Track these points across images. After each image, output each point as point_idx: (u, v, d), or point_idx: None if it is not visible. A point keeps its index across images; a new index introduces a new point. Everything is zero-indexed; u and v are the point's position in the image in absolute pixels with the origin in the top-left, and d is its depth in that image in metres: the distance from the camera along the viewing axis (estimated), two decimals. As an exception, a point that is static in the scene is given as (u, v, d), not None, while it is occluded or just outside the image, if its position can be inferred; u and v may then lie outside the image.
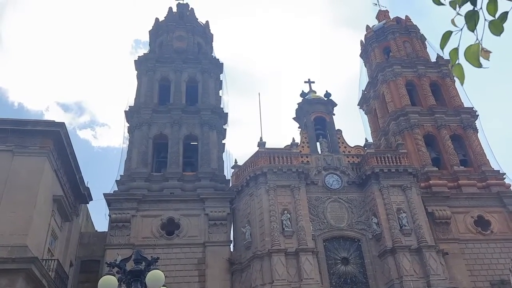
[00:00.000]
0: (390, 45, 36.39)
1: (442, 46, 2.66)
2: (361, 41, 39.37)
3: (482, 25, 2.49)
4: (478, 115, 31.27)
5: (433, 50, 35.95)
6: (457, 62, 2.64)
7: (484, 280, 24.10)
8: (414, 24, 37.81)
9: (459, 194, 27.10)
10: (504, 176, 28.55)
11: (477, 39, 2.51)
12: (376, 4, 41.54)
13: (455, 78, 33.40)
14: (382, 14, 40.59)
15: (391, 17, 39.35)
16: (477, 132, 30.63)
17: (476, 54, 2.50)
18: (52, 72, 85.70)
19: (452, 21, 2.57)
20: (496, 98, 77.57)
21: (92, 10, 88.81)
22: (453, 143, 29.96)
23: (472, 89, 56.42)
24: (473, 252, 25.12)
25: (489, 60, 2.52)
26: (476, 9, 2.48)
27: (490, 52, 2.52)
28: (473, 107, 31.54)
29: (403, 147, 27.16)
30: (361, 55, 39.48)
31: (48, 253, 19.57)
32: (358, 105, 38.67)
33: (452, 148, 29.47)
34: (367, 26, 39.44)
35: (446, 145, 29.58)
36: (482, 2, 2.49)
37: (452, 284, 22.60)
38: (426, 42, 37.27)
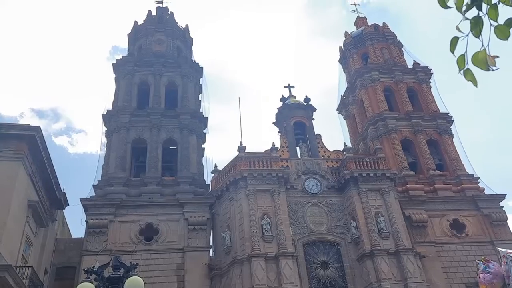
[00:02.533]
0: (368, 51, 36.95)
1: (452, 50, 2.71)
2: (340, 47, 39.86)
3: (488, 30, 2.55)
4: (453, 120, 32.01)
5: (409, 57, 36.75)
6: (466, 67, 2.69)
7: (459, 282, 24.60)
8: (392, 31, 38.53)
9: (435, 198, 27.63)
10: (478, 180, 29.25)
11: (482, 45, 2.57)
12: (354, 11, 42.19)
13: (431, 83, 34.27)
14: (360, 21, 41.21)
15: (369, 24, 40.00)
16: (453, 137, 31.33)
17: (484, 60, 2.56)
18: (26, 77, 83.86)
19: (457, 27, 2.63)
20: (470, 104, 79.69)
21: (69, 15, 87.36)
22: (429, 148, 30.56)
23: (447, 95, 57.68)
24: (449, 255, 25.63)
25: (495, 66, 2.59)
26: (481, 14, 2.54)
27: (497, 57, 2.59)
28: (448, 113, 32.27)
29: (381, 152, 27.55)
30: (340, 61, 39.97)
31: (22, 260, 19.03)
32: (337, 110, 39.09)
33: (428, 152, 30.05)
34: (346, 33, 39.98)
35: (422, 149, 30.15)
36: (487, 8, 2.54)
37: (429, 286, 23.00)
38: (403, 49, 38.00)
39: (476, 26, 2.54)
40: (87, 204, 24.26)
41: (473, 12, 2.56)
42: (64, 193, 24.29)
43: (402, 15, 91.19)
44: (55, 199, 23.58)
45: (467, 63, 2.67)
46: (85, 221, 24.02)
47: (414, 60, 35.62)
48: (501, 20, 2.55)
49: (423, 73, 34.41)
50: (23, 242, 19.07)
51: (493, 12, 2.53)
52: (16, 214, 18.24)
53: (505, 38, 2.54)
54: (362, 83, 34.22)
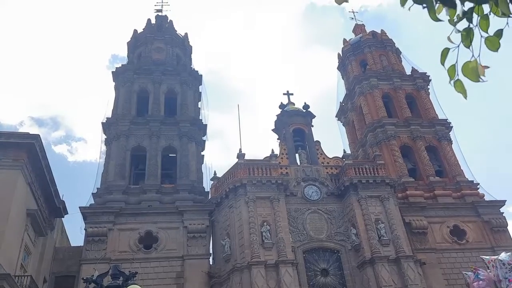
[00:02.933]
0: (366, 58, 37.10)
1: (443, 62, 2.72)
2: (339, 54, 40.02)
3: (478, 41, 2.57)
4: (452, 126, 32.06)
5: (408, 63, 36.88)
6: (456, 78, 2.70)
7: (460, 289, 24.47)
8: (390, 38, 38.71)
9: (435, 204, 27.59)
10: (478, 186, 29.24)
11: (473, 55, 2.59)
12: (352, 18, 42.43)
13: (429, 90, 34.38)
14: (358, 28, 41.42)
15: (367, 31, 40.19)
16: (452, 143, 31.36)
17: (475, 70, 2.57)
18: (26, 86, 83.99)
19: (448, 38, 2.65)
20: (469, 110, 79.86)
21: (69, 24, 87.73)
22: (429, 154, 30.58)
23: (445, 101, 57.90)
24: (449, 261, 25.54)
25: (484, 76, 2.60)
26: (471, 26, 2.56)
27: (488, 67, 2.61)
28: (447, 119, 32.33)
29: (380, 158, 27.55)
30: (338, 68, 40.11)
31: (21, 269, 18.94)
32: (336, 116, 39.16)
33: (427, 159, 30.05)
34: (344, 40, 40.17)
35: (421, 156, 30.16)
36: (478, 19, 2.56)
37: (430, 293, 22.88)
38: (401, 56, 38.16)
39: (467, 37, 2.56)
40: (86, 212, 24.19)
41: (464, 23, 2.59)
42: (63, 202, 24.21)
43: (400, 22, 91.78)
44: (54, 208, 23.50)
45: (457, 74, 2.68)
46: (84, 229, 23.93)
47: (412, 67, 35.76)
48: (492, 31, 2.58)
49: (421, 80, 34.52)
50: (22, 250, 18.99)
51: (484, 23, 2.55)
52: (15, 222, 18.18)
53: (495, 49, 2.57)
54: (360, 90, 34.31)
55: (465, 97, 2.75)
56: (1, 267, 16.11)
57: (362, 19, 77.91)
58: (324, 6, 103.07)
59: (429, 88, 34.60)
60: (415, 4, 2.59)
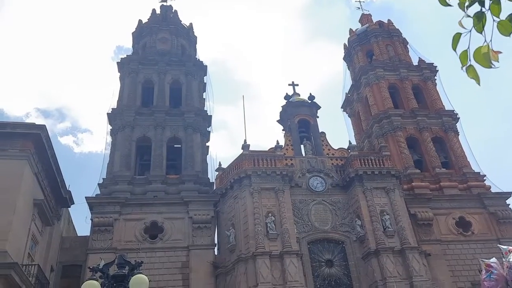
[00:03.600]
0: (373, 49, 36.78)
1: (454, 47, 2.65)
2: (345, 45, 39.70)
3: (491, 26, 2.50)
4: (459, 118, 31.82)
5: (415, 54, 36.53)
6: (468, 64, 2.63)
7: (465, 280, 24.48)
8: (397, 28, 38.32)
9: (440, 196, 27.49)
10: (485, 178, 29.08)
11: (485, 40, 2.52)
12: (359, 8, 42.01)
13: (436, 81, 34.08)
14: (365, 18, 41.01)
15: (374, 21, 39.80)
16: (458, 134, 31.15)
17: (487, 55, 2.50)
18: (31, 78, 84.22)
19: (460, 23, 2.57)
20: (476, 101, 79.20)
21: (73, 16, 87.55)
22: (435, 145, 30.40)
23: (453, 92, 57.39)
24: (455, 253, 25.51)
25: (498, 61, 2.53)
26: (484, 10, 2.48)
27: (500, 52, 2.53)
28: (454, 110, 32.08)
29: (386, 150, 27.44)
30: (344, 58, 39.82)
31: (28, 258, 19.14)
32: (341, 107, 38.96)
33: (434, 150, 29.89)
34: (350, 30, 39.81)
35: (428, 147, 30.00)
36: (490, 3, 2.49)
37: (435, 285, 22.91)
38: (408, 46, 37.79)
39: (479, 21, 2.49)
40: (92, 203, 24.34)
41: (475, 8, 2.51)
42: (70, 192, 24.39)
43: (406, 12, 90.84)
44: (61, 198, 23.68)
45: (469, 59, 2.61)
46: (90, 219, 24.10)
47: (419, 57, 35.43)
48: (503, 16, 2.50)
49: (428, 70, 34.21)
50: (29, 240, 19.17)
51: (496, 8, 2.48)
52: (22, 212, 18.33)
53: (508, 34, 2.48)
54: (366, 81, 34.07)
55: (478, 83, 2.68)
56: (9, 256, 16.28)
57: (368, 10, 76.92)
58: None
59: (436, 79, 34.29)
60: None
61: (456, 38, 2.60)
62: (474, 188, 28.18)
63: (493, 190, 28.43)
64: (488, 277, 11.86)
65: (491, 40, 2.51)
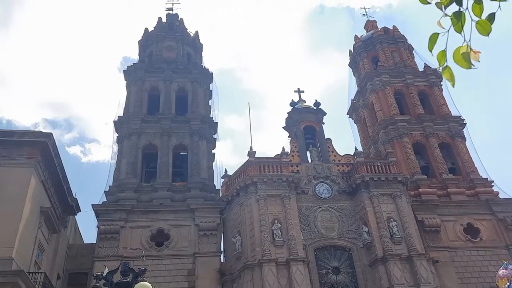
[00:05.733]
0: (378, 55, 36.75)
1: (430, 48, 2.63)
2: (350, 51, 39.71)
3: (469, 26, 2.47)
4: (465, 123, 31.61)
5: (420, 60, 36.45)
6: (445, 65, 2.60)
7: (474, 287, 24.17)
8: (402, 34, 38.28)
9: (448, 202, 27.26)
10: (492, 184, 28.80)
11: (464, 40, 2.49)
12: (364, 14, 42.07)
13: (443, 86, 33.92)
14: (370, 24, 41.03)
15: (379, 27, 39.80)
16: (465, 140, 30.93)
17: (466, 55, 2.47)
18: (39, 88, 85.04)
19: (438, 23, 2.54)
20: (482, 106, 78.68)
21: (81, 27, 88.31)
22: (442, 151, 30.20)
23: (459, 98, 56.98)
24: (463, 260, 25.22)
25: (479, 61, 2.50)
26: (462, 9, 2.46)
27: (480, 52, 2.51)
28: (460, 116, 31.90)
29: (392, 156, 27.29)
30: (349, 65, 39.81)
31: (35, 266, 19.19)
32: (347, 114, 38.89)
33: (440, 156, 29.69)
34: (356, 36, 39.83)
35: (434, 153, 29.80)
36: (468, 2, 2.46)
37: (443, 292, 22.63)
38: (413, 52, 37.71)
39: (458, 21, 2.46)
40: (98, 210, 24.41)
41: (454, 7, 2.48)
42: (76, 199, 24.50)
43: (409, 22, 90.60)
44: (67, 205, 23.80)
45: (446, 60, 2.58)
46: (97, 226, 24.16)
47: (425, 63, 35.32)
48: (484, 16, 2.47)
49: (434, 76, 34.08)
50: (35, 247, 19.24)
51: (477, 7, 2.45)
52: (29, 220, 18.42)
53: (486, 34, 2.45)
54: (372, 87, 34.02)
55: (453, 85, 2.65)
56: (15, 264, 16.35)
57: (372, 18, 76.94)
58: (333, 7, 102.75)
59: (442, 84, 34.13)
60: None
61: (433, 38, 2.57)
62: (482, 194, 27.91)
63: (501, 196, 28.14)
64: (505, 266, 11.77)
65: (469, 40, 2.48)
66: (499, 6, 2.40)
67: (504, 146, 77.46)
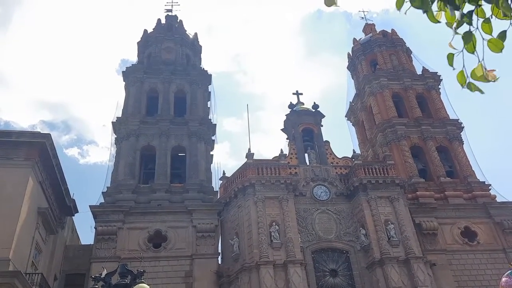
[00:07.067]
0: (376, 58, 36.86)
1: (451, 64, 2.68)
2: (348, 54, 39.81)
3: (481, 44, 2.52)
4: (463, 126, 31.71)
5: (418, 63, 36.55)
6: (468, 82, 2.66)
7: (471, 291, 24.22)
8: (400, 37, 38.40)
9: (445, 205, 27.32)
10: (490, 187, 28.88)
11: (478, 60, 2.54)
12: (362, 18, 42.19)
13: (440, 90, 34.04)
14: (368, 28, 41.16)
15: (377, 30, 39.92)
16: (463, 143, 31.02)
17: (482, 75, 2.53)
18: (37, 90, 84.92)
19: (450, 44, 2.61)
20: (480, 109, 78.91)
21: (79, 29, 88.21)
22: (439, 154, 30.28)
23: (457, 101, 57.22)
24: (460, 263, 25.26)
25: (497, 79, 2.56)
26: (472, 29, 2.51)
27: (494, 70, 2.56)
28: (458, 119, 31.98)
29: (390, 159, 27.34)
30: (348, 67, 39.91)
31: (32, 267, 19.16)
32: (345, 116, 38.97)
33: (438, 159, 29.76)
34: (354, 39, 39.93)
35: (432, 156, 29.87)
36: (477, 22, 2.51)
37: (440, 295, 22.66)
38: (411, 55, 37.84)
39: (469, 41, 2.51)
40: (96, 211, 24.36)
41: (465, 27, 2.54)
42: (74, 200, 24.46)
43: (406, 28, 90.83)
44: (65, 206, 23.75)
45: (467, 77, 2.64)
46: (94, 228, 24.11)
47: (423, 67, 35.43)
48: (495, 33, 2.52)
49: (432, 80, 34.20)
50: (32, 248, 19.20)
51: (487, 26, 2.50)
52: (26, 221, 18.38)
53: (499, 51, 2.52)
54: (370, 90, 34.10)
55: (482, 92, 2.72)
56: (13, 265, 16.31)
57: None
58: (331, 12, 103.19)
59: (440, 88, 34.24)
60: (412, 8, 2.54)
61: (450, 57, 2.64)
62: (479, 197, 27.98)
63: (498, 199, 28.22)
64: (510, 274, 11.76)
65: (483, 59, 2.53)
66: (510, 23, 2.44)
67: (502, 149, 77.71)
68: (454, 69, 2.66)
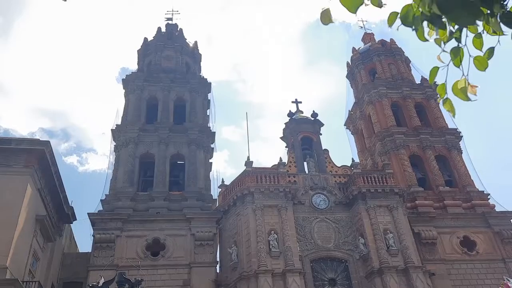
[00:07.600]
0: (375, 67, 37.02)
1: (431, 81, 2.74)
2: (348, 63, 39.99)
3: (467, 60, 2.56)
4: (462, 136, 31.76)
5: (417, 72, 36.72)
6: (445, 97, 2.72)
7: (470, 301, 24.09)
8: (399, 47, 38.60)
9: (444, 215, 27.27)
10: (489, 197, 28.86)
11: (463, 74, 2.59)
12: (361, 27, 42.44)
13: (439, 101, 34.15)
14: (367, 37, 41.39)
15: (376, 40, 40.14)
16: (461, 153, 31.05)
17: (464, 90, 2.58)
18: (37, 98, 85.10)
19: (438, 58, 2.66)
20: (479, 119, 79.11)
21: (79, 38, 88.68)
22: (438, 163, 30.29)
23: (456, 110, 57.11)
24: (459, 272, 25.16)
25: (476, 95, 2.60)
26: (460, 45, 2.55)
27: (477, 86, 2.60)
28: (457, 129, 32.05)
29: (389, 167, 27.34)
30: (347, 76, 40.05)
31: (29, 275, 19.05)
32: (344, 125, 39.03)
33: (437, 168, 29.77)
34: (353, 48, 40.14)
35: (431, 165, 29.88)
36: (466, 39, 2.55)
37: (439, 305, 22.54)
38: (410, 65, 38.01)
39: (456, 57, 2.56)
40: (94, 219, 24.27)
41: (453, 43, 2.59)
42: (72, 208, 24.38)
43: (406, 38, 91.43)
44: (63, 214, 23.68)
45: (447, 93, 2.69)
46: (92, 235, 24.00)
47: (422, 76, 35.58)
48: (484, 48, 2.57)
49: (431, 89, 34.31)
50: (30, 256, 19.11)
51: (478, 42, 2.55)
52: (24, 228, 18.31)
53: (483, 69, 2.57)
54: (369, 99, 34.20)
55: (454, 115, 2.78)
56: (10, 272, 16.22)
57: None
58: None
59: (438, 97, 34.30)
60: (403, 25, 2.60)
61: (433, 71, 2.69)
62: (478, 207, 27.94)
63: (497, 209, 28.18)
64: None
65: (467, 74, 2.58)
66: (498, 41, 2.50)
67: (501, 159, 77.74)
68: (435, 82, 2.71)
